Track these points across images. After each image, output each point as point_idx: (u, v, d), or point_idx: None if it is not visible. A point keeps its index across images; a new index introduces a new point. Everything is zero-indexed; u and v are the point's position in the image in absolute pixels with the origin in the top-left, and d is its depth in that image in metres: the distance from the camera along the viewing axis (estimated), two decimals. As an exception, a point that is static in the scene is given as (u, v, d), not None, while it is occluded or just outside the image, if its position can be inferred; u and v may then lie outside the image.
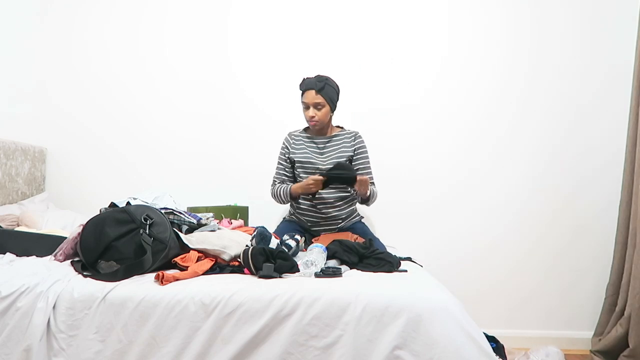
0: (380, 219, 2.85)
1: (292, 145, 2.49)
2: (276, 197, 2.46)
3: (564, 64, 2.89)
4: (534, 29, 2.90)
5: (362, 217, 2.59)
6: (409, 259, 2.13)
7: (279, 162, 2.53)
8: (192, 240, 1.83)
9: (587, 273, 2.86)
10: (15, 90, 3.03)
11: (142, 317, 1.47)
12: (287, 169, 2.50)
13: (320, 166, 2.40)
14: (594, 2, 2.87)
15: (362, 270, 1.77)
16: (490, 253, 2.90)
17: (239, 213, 2.60)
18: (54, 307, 1.49)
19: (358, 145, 2.48)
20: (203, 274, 1.68)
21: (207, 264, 1.74)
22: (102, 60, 3.04)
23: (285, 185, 2.44)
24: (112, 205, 2.63)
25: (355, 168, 2.42)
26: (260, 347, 1.43)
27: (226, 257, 1.78)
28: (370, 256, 1.85)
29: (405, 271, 1.79)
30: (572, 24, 2.89)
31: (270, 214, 2.74)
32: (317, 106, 2.36)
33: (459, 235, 2.91)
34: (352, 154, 2.46)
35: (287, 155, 2.50)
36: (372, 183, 2.46)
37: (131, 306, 1.47)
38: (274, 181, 2.51)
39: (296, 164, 2.45)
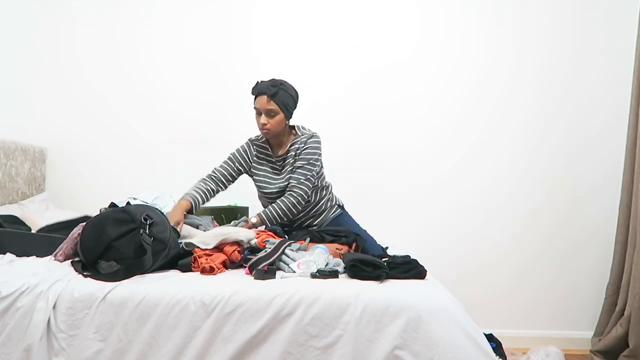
0: (382, 222, 2.85)
1: (254, 158, 2.30)
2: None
3: (563, 64, 2.90)
4: (534, 27, 2.91)
5: (342, 205, 2.41)
6: (408, 257, 2.13)
7: (228, 159, 2.29)
8: (205, 241, 1.83)
9: (587, 273, 2.87)
10: (15, 90, 3.03)
11: (142, 316, 1.47)
12: (230, 171, 2.27)
13: (276, 190, 2.23)
14: (594, 1, 2.88)
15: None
16: (490, 254, 2.90)
17: (239, 213, 2.60)
18: (54, 306, 1.49)
19: (303, 147, 2.20)
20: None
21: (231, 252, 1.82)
22: (104, 58, 3.04)
23: (194, 190, 2.18)
24: (112, 205, 2.62)
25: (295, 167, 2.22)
26: (260, 347, 1.43)
27: (243, 239, 1.84)
28: (395, 267, 1.72)
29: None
30: (572, 22, 2.89)
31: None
32: (269, 113, 2.12)
33: (460, 236, 2.91)
34: None
35: (242, 163, 2.28)
36: (305, 181, 2.17)
37: (131, 306, 1.47)
38: (213, 171, 2.28)
39: (255, 182, 2.31)
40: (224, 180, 2.28)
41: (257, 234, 1.96)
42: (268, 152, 2.30)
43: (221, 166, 2.30)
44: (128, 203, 2.51)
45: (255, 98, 2.18)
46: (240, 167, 2.30)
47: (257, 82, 2.18)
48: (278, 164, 2.28)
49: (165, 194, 2.64)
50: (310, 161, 2.19)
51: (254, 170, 2.31)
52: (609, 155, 2.86)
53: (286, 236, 2.03)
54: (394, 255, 1.92)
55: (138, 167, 3.01)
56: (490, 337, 2.16)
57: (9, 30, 3.04)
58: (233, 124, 3.00)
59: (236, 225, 2.07)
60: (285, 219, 2.18)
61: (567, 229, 2.88)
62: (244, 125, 2.97)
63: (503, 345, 2.26)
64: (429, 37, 2.95)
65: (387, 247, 2.31)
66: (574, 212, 2.88)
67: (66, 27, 3.05)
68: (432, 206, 2.93)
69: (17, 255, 1.90)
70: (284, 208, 2.14)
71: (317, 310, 1.43)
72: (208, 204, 2.67)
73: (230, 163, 2.29)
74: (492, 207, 2.91)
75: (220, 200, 2.81)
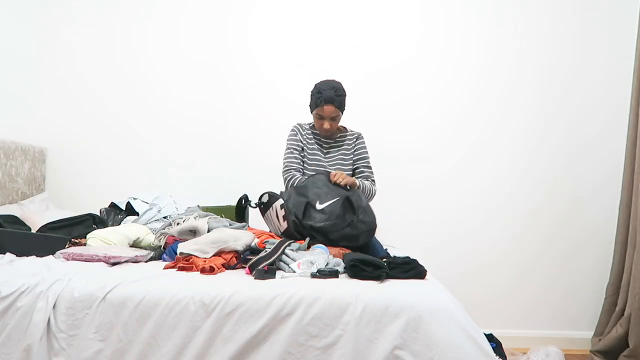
0: (382, 222, 2.85)
1: (304, 136, 2.45)
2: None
3: (563, 64, 2.90)
4: (534, 28, 2.91)
5: None
6: (408, 257, 2.13)
7: (291, 147, 2.41)
8: (204, 249, 1.83)
9: (587, 273, 2.87)
10: (15, 90, 3.03)
11: (142, 316, 1.46)
12: (301, 155, 2.41)
13: (324, 167, 2.39)
14: (594, 1, 2.88)
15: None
16: (490, 254, 2.90)
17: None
18: (54, 306, 1.49)
19: (357, 147, 2.48)
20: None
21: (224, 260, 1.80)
22: (104, 57, 3.04)
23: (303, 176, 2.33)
24: (112, 205, 2.62)
25: (355, 168, 2.45)
26: (260, 347, 1.43)
27: (240, 249, 1.83)
28: (395, 267, 1.72)
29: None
30: (572, 23, 2.89)
31: (270, 214, 2.74)
32: (334, 119, 2.35)
33: (460, 236, 2.91)
34: (352, 155, 2.47)
35: (300, 143, 2.42)
36: (373, 181, 2.45)
37: (131, 306, 1.47)
38: (289, 168, 2.37)
39: (308, 159, 2.42)
40: (301, 168, 2.42)
41: (258, 235, 1.96)
42: (316, 133, 2.47)
43: (291, 158, 2.40)
44: (128, 203, 2.51)
45: (319, 105, 2.29)
46: (302, 146, 2.43)
47: (320, 89, 2.28)
48: (325, 146, 2.45)
49: (165, 194, 2.64)
50: (367, 162, 2.46)
51: (306, 148, 2.43)
52: (609, 155, 2.86)
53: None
54: (394, 256, 1.92)
55: (138, 167, 3.01)
56: (490, 337, 2.16)
57: (9, 30, 3.04)
58: (232, 124, 3.00)
59: (244, 228, 2.06)
60: (363, 198, 2.23)
61: (567, 229, 2.88)
62: (243, 125, 2.99)
63: (503, 345, 2.26)
64: (429, 38, 2.96)
65: (386, 248, 2.31)
66: (574, 212, 2.88)
67: (66, 28, 3.04)
68: (432, 206, 2.93)
69: (17, 255, 1.90)
70: (371, 189, 2.37)
71: (317, 310, 1.43)
72: (208, 204, 2.68)
73: (295, 151, 2.41)
74: (492, 207, 2.92)
75: (221, 200, 2.82)
